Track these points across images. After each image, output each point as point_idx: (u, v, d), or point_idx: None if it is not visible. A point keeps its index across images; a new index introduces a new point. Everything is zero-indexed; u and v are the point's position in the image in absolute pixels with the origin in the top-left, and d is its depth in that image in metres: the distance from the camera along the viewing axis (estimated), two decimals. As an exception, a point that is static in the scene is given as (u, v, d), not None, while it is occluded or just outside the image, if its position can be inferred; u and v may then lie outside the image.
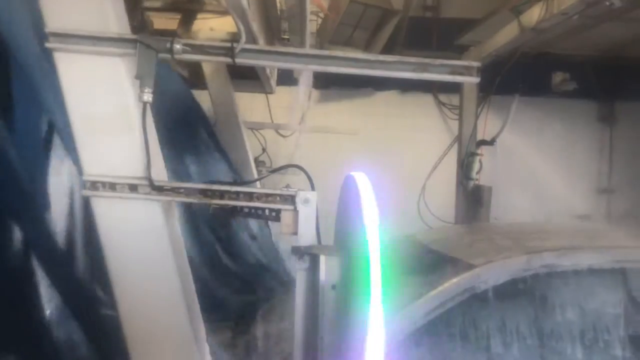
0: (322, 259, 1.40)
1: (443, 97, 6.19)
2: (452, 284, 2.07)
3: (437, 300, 2.03)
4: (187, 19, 3.33)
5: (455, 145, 5.90)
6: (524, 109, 5.79)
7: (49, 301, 1.79)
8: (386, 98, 6.16)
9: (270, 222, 3.62)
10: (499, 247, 2.38)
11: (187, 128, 3.55)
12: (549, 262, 2.15)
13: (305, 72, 3.46)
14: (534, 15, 4.06)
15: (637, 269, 2.19)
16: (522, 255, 2.19)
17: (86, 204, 1.63)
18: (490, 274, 2.11)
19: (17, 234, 1.77)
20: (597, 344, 2.10)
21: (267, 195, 1.53)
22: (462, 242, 2.76)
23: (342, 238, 1.45)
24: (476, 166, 5.50)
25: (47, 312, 1.82)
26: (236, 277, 3.31)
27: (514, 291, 2.12)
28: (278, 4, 3.13)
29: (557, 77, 5.83)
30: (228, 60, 1.55)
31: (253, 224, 3.82)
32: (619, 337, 2.11)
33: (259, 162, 4.68)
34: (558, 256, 2.18)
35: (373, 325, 1.16)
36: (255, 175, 4.14)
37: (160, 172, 1.56)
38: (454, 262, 2.23)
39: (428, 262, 2.38)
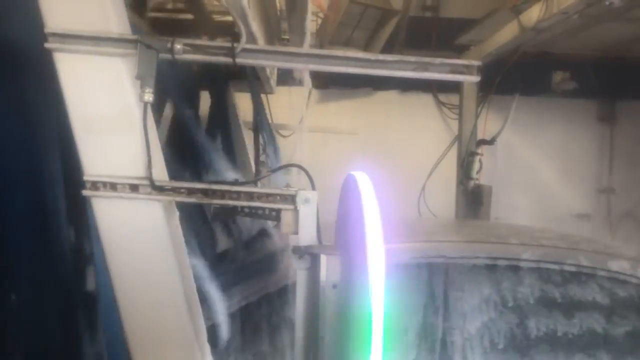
0: (323, 258, 1.40)
1: (443, 97, 6.19)
2: (262, 281, 1.97)
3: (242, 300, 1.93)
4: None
5: (455, 145, 5.92)
6: (524, 108, 5.80)
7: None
8: (386, 98, 6.16)
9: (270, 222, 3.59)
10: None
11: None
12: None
13: (306, 71, 3.46)
14: (533, 14, 4.07)
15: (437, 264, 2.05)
16: None
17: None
18: None
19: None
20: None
21: (268, 195, 1.53)
22: None
23: (343, 237, 1.45)
24: (476, 166, 5.52)
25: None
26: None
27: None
28: (277, 4, 3.13)
29: (557, 77, 5.84)
30: (228, 60, 1.55)
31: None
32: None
33: (259, 162, 4.66)
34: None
35: (375, 325, 1.17)
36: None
37: (161, 172, 1.56)
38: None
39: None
